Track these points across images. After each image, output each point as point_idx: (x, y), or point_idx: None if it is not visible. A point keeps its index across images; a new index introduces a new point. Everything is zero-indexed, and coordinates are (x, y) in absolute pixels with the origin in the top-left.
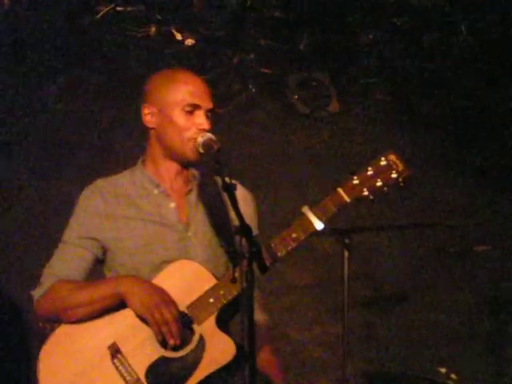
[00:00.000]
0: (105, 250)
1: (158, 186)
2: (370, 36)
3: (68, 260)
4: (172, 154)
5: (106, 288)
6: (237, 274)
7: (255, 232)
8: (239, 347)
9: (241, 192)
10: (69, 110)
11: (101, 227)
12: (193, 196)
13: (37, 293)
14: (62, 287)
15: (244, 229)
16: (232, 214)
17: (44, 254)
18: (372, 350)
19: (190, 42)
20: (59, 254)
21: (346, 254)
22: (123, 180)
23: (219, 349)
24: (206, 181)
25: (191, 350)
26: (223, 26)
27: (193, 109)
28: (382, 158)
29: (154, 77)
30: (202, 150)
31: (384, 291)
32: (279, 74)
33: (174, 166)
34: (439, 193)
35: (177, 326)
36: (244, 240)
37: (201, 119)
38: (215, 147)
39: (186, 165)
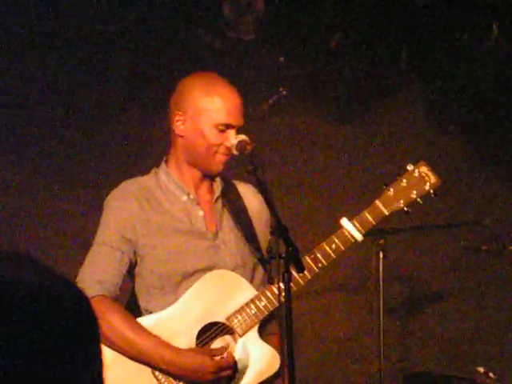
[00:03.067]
0: (135, 255)
1: (187, 192)
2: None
3: (106, 263)
4: (196, 164)
5: (152, 355)
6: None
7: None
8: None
9: (257, 196)
10: (96, 112)
11: (135, 231)
12: (219, 203)
13: None
14: (112, 313)
15: (281, 229)
16: (255, 219)
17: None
18: (409, 349)
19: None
20: (96, 257)
21: (381, 254)
22: (150, 183)
23: (264, 360)
24: (227, 186)
25: (234, 362)
26: (252, 29)
27: (226, 128)
28: (415, 170)
29: (189, 82)
30: (235, 152)
31: (419, 291)
32: (311, 76)
33: (198, 174)
34: (472, 192)
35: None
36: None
37: (229, 136)
38: (249, 148)
39: (208, 176)
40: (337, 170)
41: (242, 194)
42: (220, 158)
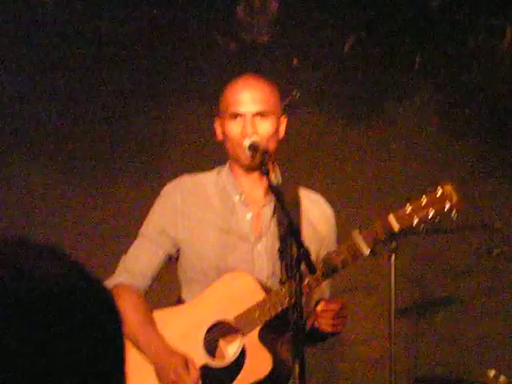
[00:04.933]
0: (177, 249)
1: (240, 193)
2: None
3: (141, 256)
4: (236, 162)
5: (147, 352)
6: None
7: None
8: (279, 364)
9: (322, 208)
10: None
11: (175, 225)
12: (269, 208)
13: (108, 283)
14: (123, 300)
15: (292, 230)
16: (306, 231)
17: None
18: (420, 353)
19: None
20: (135, 248)
21: (393, 257)
22: (207, 180)
23: (257, 362)
24: (287, 193)
25: (232, 362)
26: (266, 31)
27: (236, 117)
28: (439, 188)
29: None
30: (248, 153)
31: (431, 295)
32: (324, 79)
33: (245, 174)
34: (484, 195)
35: None
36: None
37: (242, 126)
38: (261, 150)
39: (246, 170)
40: (349, 173)
41: (302, 204)
42: (242, 148)
